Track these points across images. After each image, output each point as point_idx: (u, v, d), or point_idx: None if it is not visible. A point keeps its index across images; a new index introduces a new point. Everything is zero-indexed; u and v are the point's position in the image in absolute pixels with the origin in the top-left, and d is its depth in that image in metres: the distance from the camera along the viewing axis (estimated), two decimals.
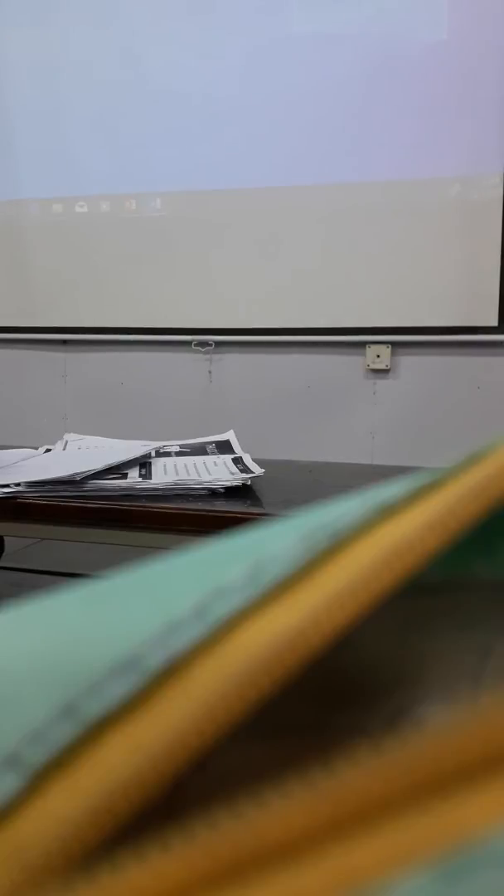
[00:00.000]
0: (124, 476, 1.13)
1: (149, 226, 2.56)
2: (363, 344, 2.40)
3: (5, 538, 2.04)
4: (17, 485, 1.09)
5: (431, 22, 2.22)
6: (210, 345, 2.52)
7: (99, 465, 1.13)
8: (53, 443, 1.44)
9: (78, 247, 2.63)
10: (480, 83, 2.20)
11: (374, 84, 2.28)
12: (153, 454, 1.27)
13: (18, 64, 2.61)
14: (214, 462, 1.22)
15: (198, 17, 2.40)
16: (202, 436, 1.43)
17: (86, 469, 1.11)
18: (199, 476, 1.12)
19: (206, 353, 2.53)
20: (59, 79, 2.57)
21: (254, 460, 1.22)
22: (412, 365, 2.40)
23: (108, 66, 2.51)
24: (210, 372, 2.56)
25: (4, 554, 2.08)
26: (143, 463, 1.21)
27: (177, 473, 1.14)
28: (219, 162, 2.44)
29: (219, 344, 2.52)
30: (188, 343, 2.54)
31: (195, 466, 1.19)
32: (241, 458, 1.25)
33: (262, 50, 2.35)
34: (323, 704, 0.16)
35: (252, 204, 2.43)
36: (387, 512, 0.14)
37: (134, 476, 1.13)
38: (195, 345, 2.52)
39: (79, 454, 1.33)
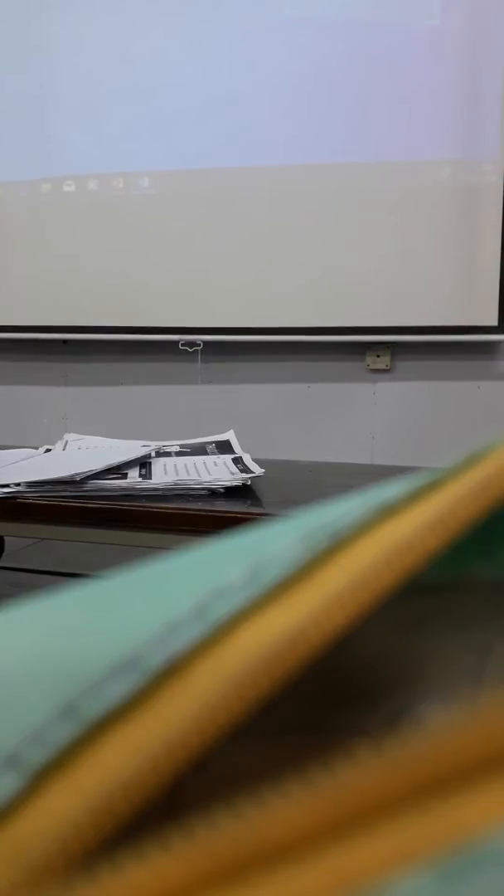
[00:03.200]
0: (124, 476, 1.13)
1: (138, 211, 2.53)
2: (363, 344, 2.40)
3: (5, 538, 2.04)
4: (17, 485, 1.09)
5: (424, 6, 2.22)
6: (198, 345, 2.51)
7: (99, 465, 1.13)
8: (53, 443, 1.44)
9: (66, 231, 2.59)
10: (474, 68, 2.20)
11: (367, 68, 2.27)
12: (153, 454, 1.27)
13: (3, 42, 2.59)
14: (214, 462, 1.22)
15: None
16: (202, 436, 1.43)
17: (86, 469, 1.11)
18: (199, 476, 1.12)
19: (195, 352, 2.52)
20: (46, 60, 2.55)
21: (254, 460, 1.22)
22: (412, 365, 2.40)
23: (96, 47, 2.49)
24: (211, 372, 2.56)
25: (4, 554, 2.08)
26: (143, 463, 1.21)
27: (177, 473, 1.14)
28: (210, 144, 2.41)
29: (219, 344, 2.52)
30: (186, 343, 2.53)
31: (195, 466, 1.19)
32: (241, 458, 1.25)
33: (254, 32, 2.35)
34: (323, 704, 0.16)
35: (246, 186, 2.41)
36: (387, 512, 0.14)
37: (134, 476, 1.13)
38: (182, 345, 2.51)
39: (79, 454, 1.33)
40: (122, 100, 2.48)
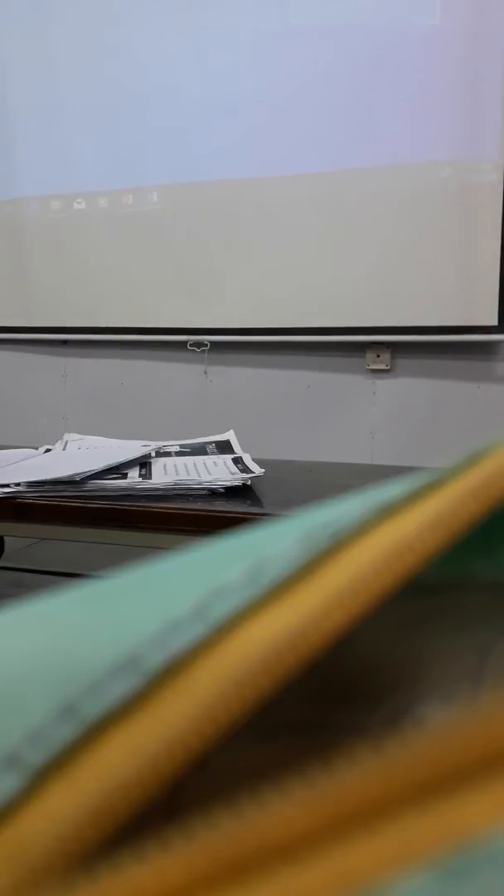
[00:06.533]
0: (124, 476, 1.13)
1: (147, 224, 2.55)
2: (363, 344, 2.40)
3: (5, 538, 2.04)
4: (17, 485, 1.09)
5: (425, 8, 2.22)
6: (206, 345, 2.51)
7: (99, 465, 1.13)
8: (53, 443, 1.44)
9: (76, 245, 2.63)
10: (475, 69, 2.20)
11: (369, 72, 2.27)
12: (153, 454, 1.27)
13: (14, 59, 2.61)
14: (214, 462, 1.22)
15: (193, 8, 2.40)
16: (202, 436, 1.43)
17: (86, 469, 1.11)
18: (199, 476, 1.12)
19: (202, 353, 2.53)
20: (55, 75, 2.57)
21: (254, 460, 1.22)
22: (412, 365, 2.40)
23: (104, 59, 2.51)
24: (211, 372, 2.56)
25: (4, 554, 2.08)
26: (143, 463, 1.21)
27: (177, 473, 1.14)
28: (216, 156, 2.43)
29: (219, 344, 2.52)
30: (195, 343, 2.54)
31: (195, 466, 1.19)
32: (241, 458, 1.25)
33: (258, 41, 2.35)
34: (323, 704, 0.16)
35: (250, 196, 2.43)
36: (387, 512, 0.14)
37: (134, 476, 1.13)
38: (190, 345, 2.52)
39: (79, 454, 1.33)
40: (130, 115, 2.50)
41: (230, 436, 1.39)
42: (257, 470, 1.15)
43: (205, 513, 1.02)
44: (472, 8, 2.18)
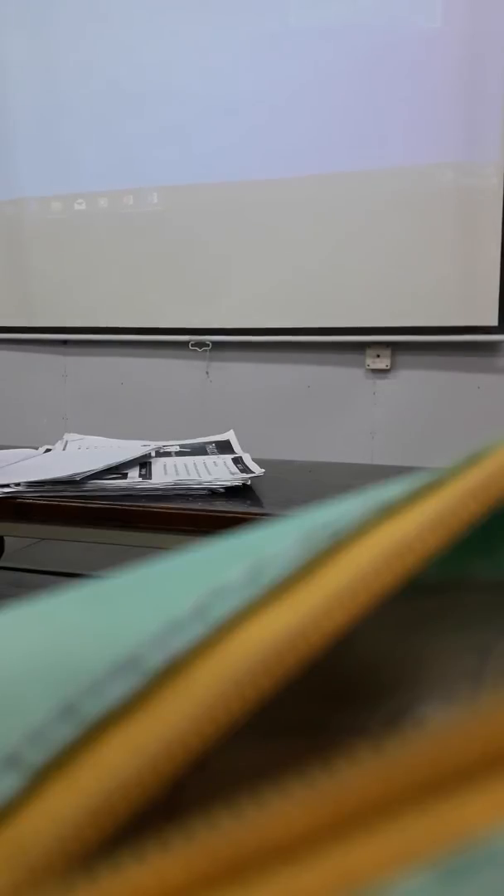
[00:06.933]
0: (124, 476, 1.13)
1: (148, 224, 2.56)
2: (363, 344, 2.40)
3: (5, 538, 2.04)
4: (17, 485, 1.09)
5: (426, 10, 2.22)
6: (207, 345, 2.51)
7: (99, 465, 1.13)
8: (53, 443, 1.44)
9: (77, 246, 2.63)
10: (476, 71, 2.20)
11: (370, 73, 2.27)
12: (153, 454, 1.27)
13: (15, 61, 2.61)
14: (214, 462, 1.22)
15: (193, 8, 2.40)
16: (202, 436, 1.43)
17: (86, 469, 1.11)
18: (199, 476, 1.12)
19: (204, 352, 2.53)
20: (55, 75, 2.57)
21: (254, 460, 1.22)
22: (412, 365, 2.40)
23: (105, 61, 2.51)
24: (210, 372, 2.56)
25: (4, 554, 2.08)
26: (143, 463, 1.21)
27: (177, 473, 1.14)
28: (217, 159, 2.44)
29: (219, 344, 2.52)
30: (187, 343, 2.54)
31: (195, 466, 1.19)
32: (241, 458, 1.25)
33: (258, 41, 2.36)
34: (323, 704, 0.16)
35: (251, 198, 2.43)
36: (387, 512, 0.14)
37: (134, 476, 1.13)
38: (192, 345, 2.52)
39: (79, 454, 1.33)
40: (130, 115, 2.50)
41: (230, 436, 1.39)
42: (257, 470, 1.15)
43: (205, 513, 1.02)
44: (473, 9, 2.18)
